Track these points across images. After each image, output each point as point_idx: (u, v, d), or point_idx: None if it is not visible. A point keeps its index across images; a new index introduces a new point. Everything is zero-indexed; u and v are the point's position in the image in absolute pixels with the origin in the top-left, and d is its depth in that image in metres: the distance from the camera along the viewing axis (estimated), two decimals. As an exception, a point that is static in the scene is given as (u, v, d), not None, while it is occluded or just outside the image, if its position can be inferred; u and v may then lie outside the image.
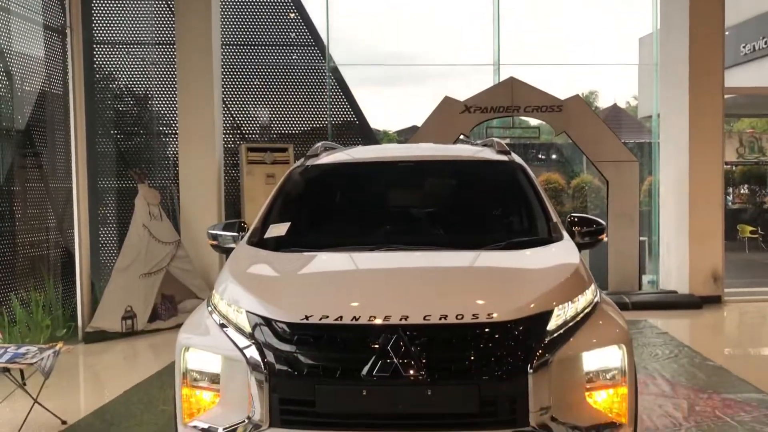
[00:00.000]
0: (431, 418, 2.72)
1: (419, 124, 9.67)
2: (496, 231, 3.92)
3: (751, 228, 18.07)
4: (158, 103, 9.90)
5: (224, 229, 4.10)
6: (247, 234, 3.88)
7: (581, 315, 2.97)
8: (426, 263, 3.37)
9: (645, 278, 10.56)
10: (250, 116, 10.15)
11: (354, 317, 2.78)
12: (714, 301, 9.25)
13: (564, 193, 16.71)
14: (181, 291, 8.41)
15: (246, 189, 9.01)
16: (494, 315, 2.78)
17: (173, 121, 9.52)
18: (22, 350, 4.74)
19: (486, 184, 4.29)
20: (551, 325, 2.85)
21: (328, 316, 2.79)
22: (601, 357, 2.92)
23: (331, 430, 2.73)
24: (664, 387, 5.56)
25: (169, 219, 8.55)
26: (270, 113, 10.10)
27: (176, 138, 9.19)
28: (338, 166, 4.45)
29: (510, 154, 4.43)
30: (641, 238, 9.97)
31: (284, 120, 10.14)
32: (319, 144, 4.69)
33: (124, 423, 4.89)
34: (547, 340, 2.80)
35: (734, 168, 19.18)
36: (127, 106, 10.06)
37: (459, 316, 2.76)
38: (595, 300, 3.12)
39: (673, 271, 9.67)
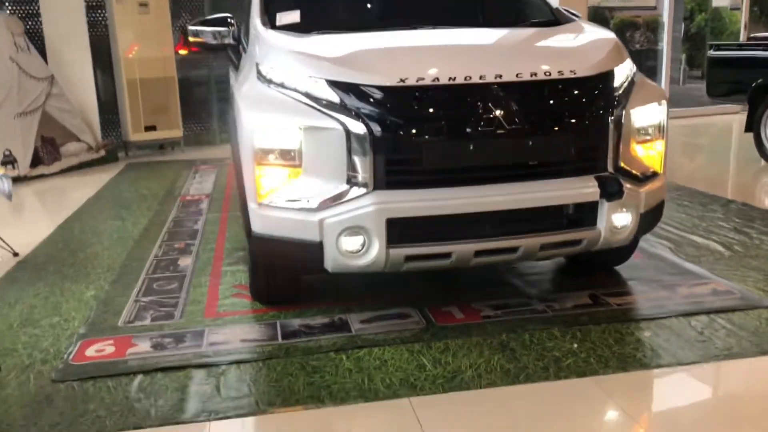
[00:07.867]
0: (531, 168, 2.82)
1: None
2: (522, 13, 3.92)
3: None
4: None
5: (210, 24, 3.76)
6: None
7: (630, 77, 3.18)
8: (486, 36, 3.34)
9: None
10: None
11: (450, 78, 2.75)
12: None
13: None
14: (61, 133, 7.60)
15: (117, 18, 8.05)
16: (576, 71, 2.90)
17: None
18: (-41, 177, 4.16)
19: None
20: (616, 83, 3.03)
21: (423, 78, 2.74)
22: (650, 112, 3.14)
23: (438, 187, 2.73)
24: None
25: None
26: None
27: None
28: None
29: None
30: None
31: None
32: None
33: (84, 250, 4.52)
34: (616, 95, 2.99)
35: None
36: None
37: (547, 73, 2.84)
38: (634, 68, 3.34)
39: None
